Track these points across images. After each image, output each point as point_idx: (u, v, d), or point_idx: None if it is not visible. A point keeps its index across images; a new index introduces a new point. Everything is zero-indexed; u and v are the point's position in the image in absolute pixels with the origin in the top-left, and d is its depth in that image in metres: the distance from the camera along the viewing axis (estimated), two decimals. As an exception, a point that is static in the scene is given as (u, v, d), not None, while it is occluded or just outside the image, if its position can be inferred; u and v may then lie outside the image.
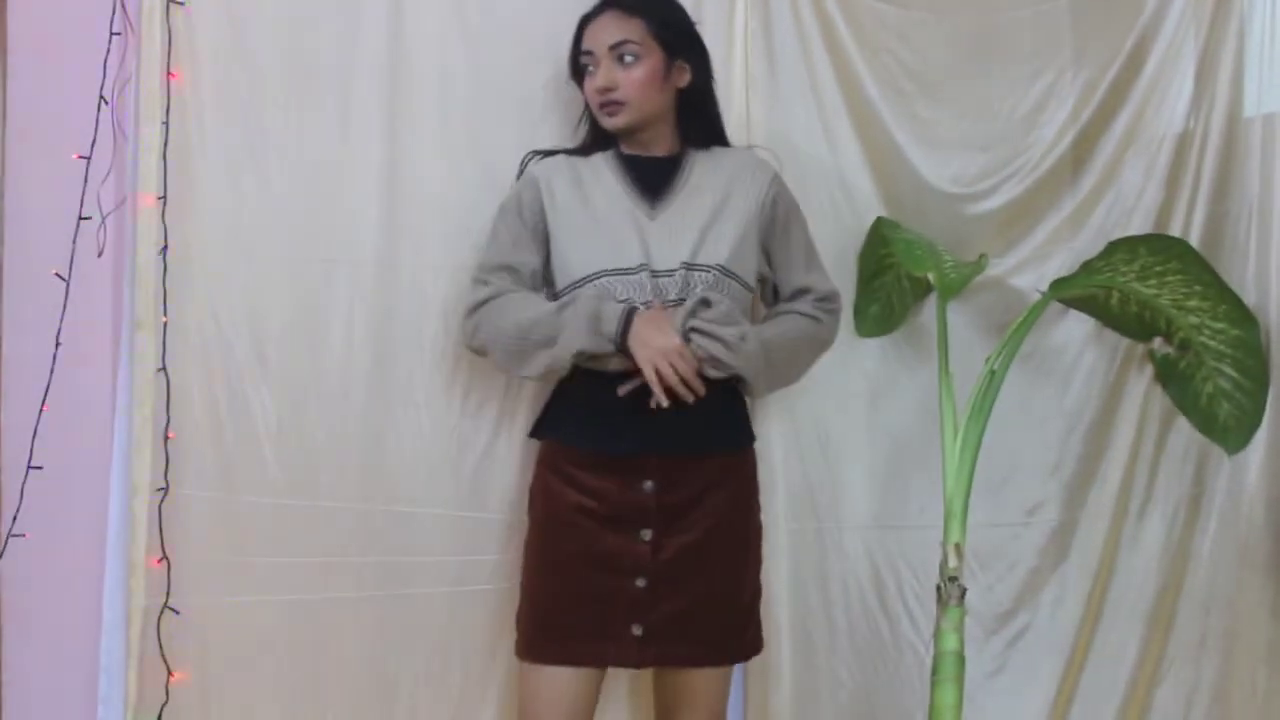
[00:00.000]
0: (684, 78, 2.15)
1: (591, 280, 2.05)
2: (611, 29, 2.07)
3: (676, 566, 2.05)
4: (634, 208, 2.10)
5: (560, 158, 2.19)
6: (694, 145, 2.19)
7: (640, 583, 2.05)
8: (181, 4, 2.17)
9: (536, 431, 2.19)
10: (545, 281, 2.16)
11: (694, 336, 2.01)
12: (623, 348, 1.99)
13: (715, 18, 2.41)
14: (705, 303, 2.03)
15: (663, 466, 2.06)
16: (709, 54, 2.20)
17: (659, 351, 1.97)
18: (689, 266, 2.06)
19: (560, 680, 2.05)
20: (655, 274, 2.05)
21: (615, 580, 2.05)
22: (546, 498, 2.13)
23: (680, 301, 2.04)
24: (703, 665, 2.11)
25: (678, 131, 2.18)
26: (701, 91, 2.19)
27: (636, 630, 2.05)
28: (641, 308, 2.02)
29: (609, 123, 2.11)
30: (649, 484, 2.05)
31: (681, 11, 2.18)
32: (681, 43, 2.13)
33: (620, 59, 2.07)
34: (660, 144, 2.17)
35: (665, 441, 2.05)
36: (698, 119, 2.19)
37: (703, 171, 2.16)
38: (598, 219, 2.10)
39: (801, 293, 2.21)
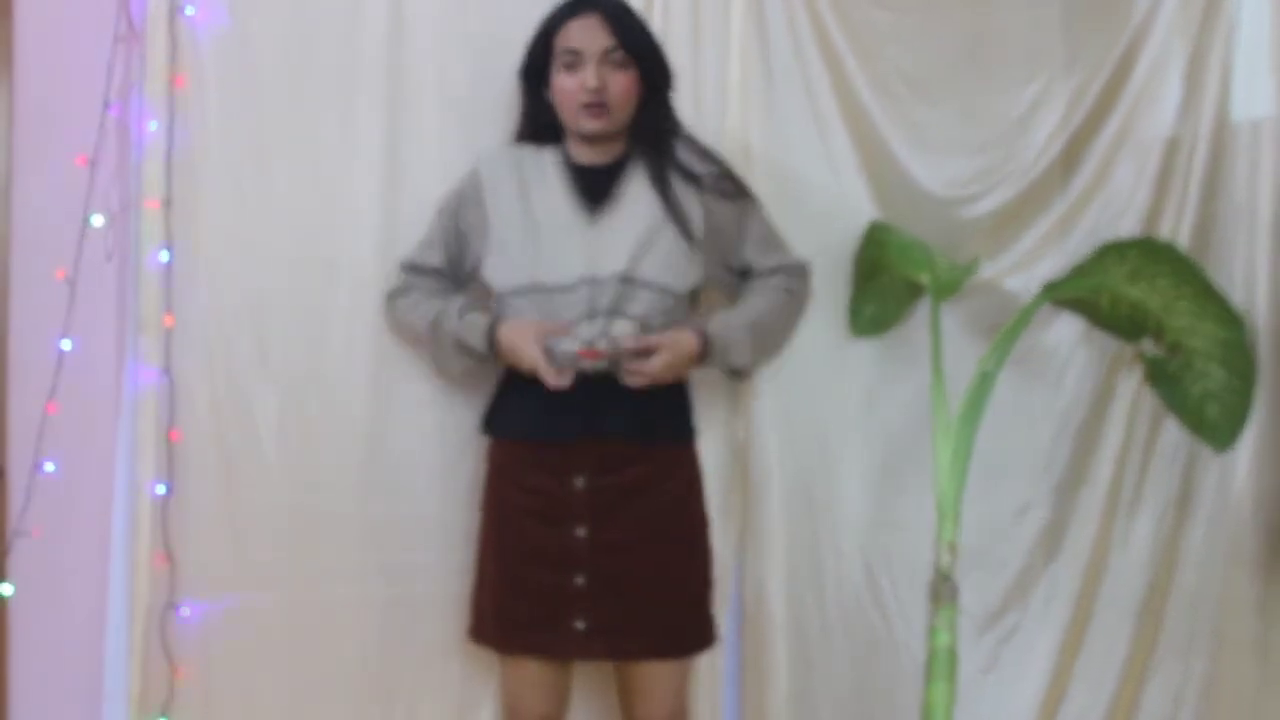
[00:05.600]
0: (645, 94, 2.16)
1: (526, 294, 2.11)
2: (603, 33, 2.07)
3: (616, 563, 2.09)
4: (574, 216, 2.13)
5: (508, 155, 2.21)
6: (640, 149, 2.18)
7: (579, 580, 2.09)
8: (185, 10, 2.19)
9: (485, 427, 2.23)
10: (470, 278, 2.24)
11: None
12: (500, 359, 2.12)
13: (711, 24, 2.43)
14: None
15: (593, 463, 2.09)
16: (670, 67, 2.19)
17: (531, 367, 2.05)
18: (625, 280, 2.09)
19: (527, 667, 2.13)
20: (594, 285, 2.08)
21: (554, 576, 2.09)
22: (491, 493, 2.19)
23: (616, 312, 2.09)
24: (652, 658, 2.13)
25: (629, 136, 2.19)
26: (664, 107, 2.19)
27: (579, 625, 2.09)
28: (501, 323, 2.11)
29: (589, 125, 2.10)
30: (580, 480, 2.09)
31: (647, 27, 2.17)
32: (650, 60, 2.14)
33: (612, 63, 2.08)
34: (611, 151, 2.18)
35: (598, 427, 2.08)
36: (650, 125, 2.18)
37: (643, 180, 2.16)
38: (537, 227, 2.13)
39: (772, 272, 2.26)
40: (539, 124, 2.20)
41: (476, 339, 2.12)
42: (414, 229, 2.29)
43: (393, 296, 2.26)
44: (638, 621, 2.10)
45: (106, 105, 2.18)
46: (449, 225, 2.22)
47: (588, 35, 2.07)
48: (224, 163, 2.23)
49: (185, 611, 2.21)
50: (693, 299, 2.23)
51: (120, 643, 2.23)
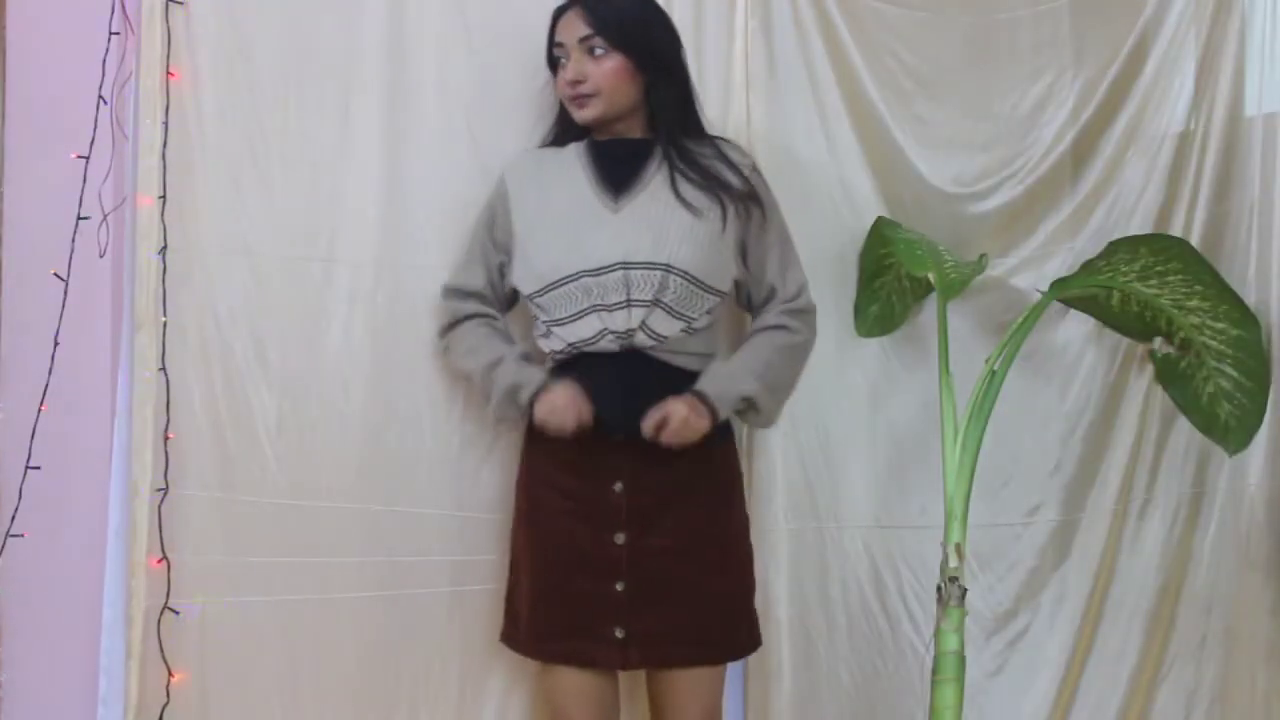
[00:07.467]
0: (646, 78, 2.13)
1: (566, 283, 2.07)
2: (580, 23, 2.10)
3: (655, 571, 2.06)
4: (597, 201, 2.11)
5: (530, 157, 2.22)
6: (659, 139, 2.15)
7: (619, 586, 2.06)
8: (181, 3, 2.16)
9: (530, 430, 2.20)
10: (504, 288, 2.21)
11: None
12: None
13: (715, 18, 2.41)
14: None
15: (632, 468, 2.06)
16: (679, 53, 2.18)
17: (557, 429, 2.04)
18: (650, 266, 2.05)
19: (569, 677, 2.09)
20: (629, 267, 2.05)
21: (594, 583, 2.07)
22: (524, 496, 2.17)
23: (655, 302, 2.05)
24: (690, 665, 2.10)
25: (649, 121, 2.16)
26: (671, 91, 2.15)
27: (619, 633, 2.06)
28: (553, 384, 2.06)
29: (579, 115, 2.13)
30: (619, 485, 2.06)
31: (641, 19, 2.14)
32: (641, 49, 2.11)
33: (590, 52, 2.09)
34: (633, 131, 2.17)
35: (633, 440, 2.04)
36: (669, 114, 2.15)
37: (662, 170, 2.13)
38: (561, 217, 2.12)
39: (769, 297, 2.20)
40: (566, 122, 2.21)
41: (525, 393, 2.08)
42: (413, 223, 2.28)
43: (444, 331, 2.23)
44: (677, 629, 2.07)
45: (100, 100, 2.16)
46: (485, 240, 2.21)
47: (568, 28, 2.11)
48: (220, 158, 2.21)
49: (181, 614, 2.18)
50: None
51: (116, 645, 2.21)
